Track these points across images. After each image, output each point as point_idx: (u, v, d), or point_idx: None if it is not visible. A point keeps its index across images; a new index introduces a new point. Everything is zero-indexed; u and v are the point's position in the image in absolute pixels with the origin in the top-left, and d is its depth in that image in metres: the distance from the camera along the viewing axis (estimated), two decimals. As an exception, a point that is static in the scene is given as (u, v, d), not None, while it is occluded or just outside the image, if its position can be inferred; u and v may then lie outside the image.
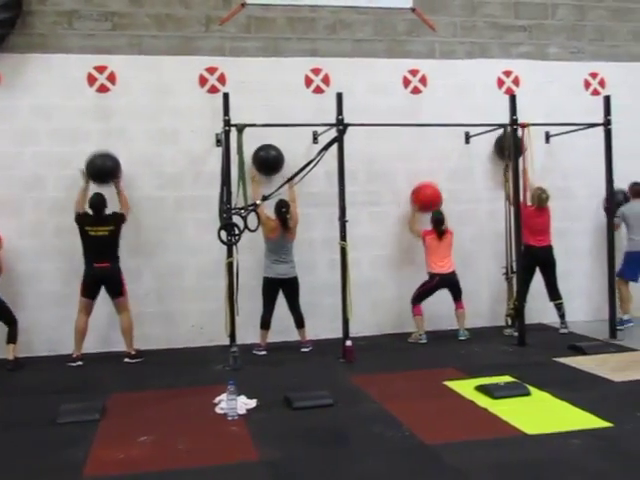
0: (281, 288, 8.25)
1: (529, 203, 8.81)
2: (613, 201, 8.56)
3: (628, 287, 9.10)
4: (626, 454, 4.59)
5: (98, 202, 7.88)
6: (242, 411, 5.68)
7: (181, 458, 4.78)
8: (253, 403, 5.90)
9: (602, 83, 9.81)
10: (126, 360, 7.82)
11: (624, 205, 9.12)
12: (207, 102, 8.57)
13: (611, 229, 8.50)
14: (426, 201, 8.94)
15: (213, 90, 8.65)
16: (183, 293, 8.63)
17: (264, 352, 8.08)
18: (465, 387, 6.25)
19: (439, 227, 8.66)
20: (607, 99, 8.48)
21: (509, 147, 8.46)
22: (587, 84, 9.81)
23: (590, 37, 9.90)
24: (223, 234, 7.32)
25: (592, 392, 6.06)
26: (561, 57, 9.77)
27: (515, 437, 4.97)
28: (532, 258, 8.74)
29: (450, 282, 8.64)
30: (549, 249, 8.87)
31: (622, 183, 8.99)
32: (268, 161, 8.58)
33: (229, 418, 5.54)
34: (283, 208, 8.10)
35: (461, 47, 9.47)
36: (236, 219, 7.40)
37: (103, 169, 8.11)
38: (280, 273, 8.16)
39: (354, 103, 8.33)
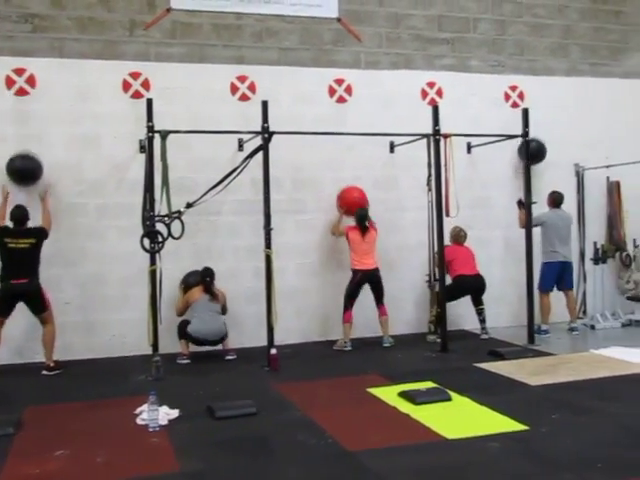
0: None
1: (448, 242, 8.96)
2: (530, 212, 8.77)
3: (549, 298, 9.34)
4: (542, 456, 4.70)
5: (20, 214, 7.65)
6: (164, 422, 5.58)
7: (99, 471, 4.67)
8: (175, 413, 5.80)
9: (521, 96, 10.09)
10: (44, 372, 7.59)
11: (542, 213, 9.35)
12: (131, 107, 8.45)
13: (529, 238, 8.71)
14: (352, 204, 8.96)
15: (137, 95, 8.53)
16: (104, 302, 8.45)
17: (187, 361, 8.00)
18: (388, 393, 6.30)
19: (363, 223, 8.71)
20: (525, 112, 8.72)
21: (431, 157, 8.62)
22: (507, 97, 10.08)
23: (510, 51, 10.18)
24: (146, 242, 7.22)
25: (510, 396, 6.20)
26: (482, 70, 10.02)
27: (436, 442, 5.04)
28: (463, 287, 9.03)
29: (372, 278, 8.67)
30: (479, 277, 9.11)
31: (537, 193, 9.16)
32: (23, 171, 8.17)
33: (150, 429, 5.44)
34: (207, 277, 8.16)
35: (386, 58, 9.60)
36: (159, 226, 7.31)
37: (24, 170, 7.90)
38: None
39: (280, 111, 8.36)
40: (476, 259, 9.16)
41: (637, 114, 10.66)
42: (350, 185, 9.09)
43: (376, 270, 8.69)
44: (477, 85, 9.91)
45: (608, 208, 10.22)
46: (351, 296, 8.66)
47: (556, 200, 9.45)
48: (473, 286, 9.08)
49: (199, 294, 8.10)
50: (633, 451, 4.74)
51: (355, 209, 8.83)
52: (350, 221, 8.89)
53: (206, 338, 8.05)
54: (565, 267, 9.38)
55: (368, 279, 8.67)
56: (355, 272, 8.66)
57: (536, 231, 9.08)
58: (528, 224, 8.73)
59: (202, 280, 8.15)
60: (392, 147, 9.41)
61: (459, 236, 9.17)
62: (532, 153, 9.11)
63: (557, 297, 9.43)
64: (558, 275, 9.34)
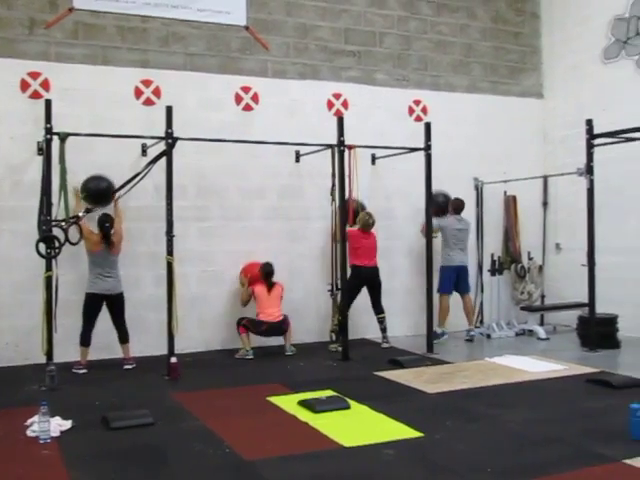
0: (106, 304, 8.00)
1: (356, 226, 9.09)
2: (430, 223, 8.97)
3: (448, 301, 9.61)
4: (434, 462, 4.81)
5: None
6: (56, 433, 5.40)
7: (-15, 485, 4.50)
8: (68, 424, 5.62)
9: (424, 110, 10.35)
10: None
11: (443, 218, 9.63)
12: (29, 108, 8.18)
13: (430, 249, 8.91)
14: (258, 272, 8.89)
15: (36, 96, 8.27)
16: (-3, 308, 8.16)
17: (84, 370, 7.79)
18: (288, 402, 6.31)
19: (269, 279, 8.75)
20: (428, 126, 8.94)
21: (335, 167, 8.71)
22: (411, 110, 10.32)
23: (414, 66, 10.43)
24: (42, 247, 7.01)
25: (407, 404, 6.31)
26: (387, 83, 10.23)
27: (333, 450, 5.08)
28: (359, 278, 9.08)
29: (279, 329, 8.74)
30: (375, 270, 9.22)
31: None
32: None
33: (41, 441, 5.24)
34: (106, 223, 7.88)
35: (293, 68, 9.66)
36: (56, 231, 7.11)
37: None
38: (105, 289, 7.91)
39: (185, 117, 8.30)
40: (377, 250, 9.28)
41: (533, 132, 11.13)
42: (252, 261, 9.03)
43: (281, 322, 8.71)
44: (382, 98, 10.10)
45: (505, 221, 10.57)
46: (249, 330, 8.65)
47: (457, 206, 9.75)
48: (369, 277, 9.17)
49: (99, 246, 7.93)
50: (520, 456, 4.91)
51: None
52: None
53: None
54: (460, 271, 9.70)
55: (272, 330, 8.72)
56: (260, 323, 8.65)
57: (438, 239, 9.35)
58: (428, 235, 8.93)
59: (100, 227, 7.92)
60: (298, 156, 9.47)
61: (367, 223, 9.19)
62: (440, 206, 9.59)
63: (455, 304, 9.71)
64: (455, 279, 9.64)
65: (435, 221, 9.28)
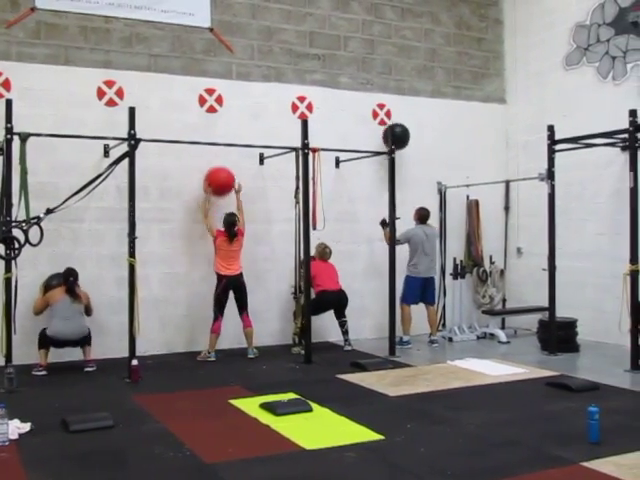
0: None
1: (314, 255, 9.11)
2: (394, 228, 9.00)
3: (409, 309, 9.64)
4: (395, 464, 4.84)
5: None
6: (14, 436, 5.34)
7: (-61, 489, 4.42)
8: (27, 427, 5.56)
9: (388, 114, 10.40)
10: None
11: (409, 229, 9.65)
12: (-12, 108, 8.07)
13: (393, 253, 8.95)
14: (220, 185, 8.86)
15: (-4, 95, 8.17)
16: (-46, 311, 8.00)
17: (44, 372, 7.70)
18: (250, 405, 6.30)
19: (231, 229, 8.66)
20: (391, 129, 8.98)
21: (299, 170, 8.72)
22: (375, 114, 10.36)
23: (378, 70, 10.49)
24: (1, 248, 6.90)
25: (369, 407, 6.34)
26: (352, 87, 10.27)
27: (294, 452, 5.08)
28: (324, 302, 9.17)
29: (237, 283, 8.67)
30: (341, 293, 9.29)
31: (401, 209, 9.34)
32: None
33: (-1, 444, 5.20)
34: (70, 277, 7.92)
35: (257, 70, 9.65)
36: (17, 232, 7.00)
37: None
38: (65, 334, 7.83)
39: (148, 118, 8.23)
40: (339, 275, 9.35)
41: (496, 137, 11.26)
42: (218, 166, 8.97)
43: (240, 276, 8.69)
44: (346, 101, 10.13)
45: (467, 225, 10.67)
46: (220, 303, 8.58)
47: (423, 216, 9.79)
48: (335, 301, 9.25)
49: (60, 295, 7.82)
50: (480, 458, 4.97)
51: (223, 191, 8.81)
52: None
53: (67, 338, 7.78)
54: (427, 283, 9.72)
55: (233, 284, 8.64)
56: (220, 277, 8.60)
57: (402, 246, 9.37)
58: (392, 240, 8.97)
59: (65, 280, 7.87)
60: (261, 159, 9.45)
61: (324, 252, 9.34)
62: (397, 137, 9.52)
63: (419, 310, 9.74)
64: (421, 290, 9.66)
65: (402, 232, 9.33)
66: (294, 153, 8.81)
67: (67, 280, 7.90)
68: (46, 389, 7.14)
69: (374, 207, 9.86)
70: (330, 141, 9.20)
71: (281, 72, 9.81)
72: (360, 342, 9.51)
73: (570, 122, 9.60)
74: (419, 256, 9.62)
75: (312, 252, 8.76)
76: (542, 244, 9.12)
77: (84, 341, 7.95)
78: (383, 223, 9.29)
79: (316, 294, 9.04)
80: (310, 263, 8.62)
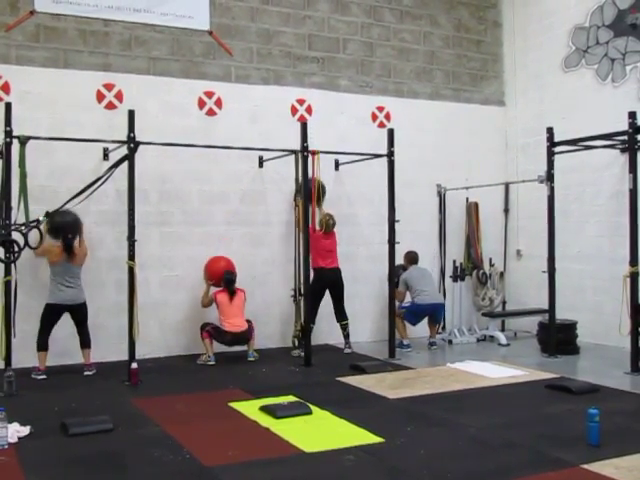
0: (69, 314, 7.90)
1: (317, 228, 9.10)
2: (393, 230, 8.95)
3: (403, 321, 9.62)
4: (395, 467, 4.83)
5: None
6: (13, 439, 5.33)
7: (-62, 493, 4.42)
8: (26, 430, 5.55)
9: (388, 117, 10.41)
10: None
11: (403, 273, 9.61)
12: (-12, 111, 8.07)
13: (392, 255, 8.92)
14: (220, 275, 8.78)
15: (-5, 99, 8.17)
16: (-46, 314, 8.00)
17: (43, 376, 7.68)
18: (249, 408, 6.29)
19: (230, 287, 8.67)
20: (391, 132, 8.99)
21: (299, 173, 8.72)
22: (374, 117, 10.37)
23: (378, 73, 10.49)
24: (1, 251, 6.90)
25: (369, 409, 6.34)
26: (351, 90, 10.27)
27: (294, 455, 5.07)
28: (322, 280, 9.06)
29: (243, 339, 8.70)
30: (337, 271, 9.23)
31: (401, 211, 9.28)
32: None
33: (-2, 447, 5.20)
34: (69, 234, 7.80)
35: (257, 73, 9.66)
36: (16, 235, 7.00)
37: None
38: (67, 299, 7.82)
39: (147, 121, 8.26)
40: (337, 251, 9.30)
41: (494, 139, 11.26)
42: (216, 256, 8.98)
43: (245, 332, 8.66)
44: (346, 104, 10.14)
45: (466, 227, 10.66)
46: (215, 338, 8.59)
47: (413, 258, 9.77)
48: (331, 278, 9.17)
49: (60, 257, 7.82)
50: (480, 461, 4.95)
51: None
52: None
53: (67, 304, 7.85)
54: (436, 307, 9.68)
55: (238, 341, 8.69)
56: (225, 332, 8.58)
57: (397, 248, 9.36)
58: (391, 241, 8.93)
59: (63, 238, 7.82)
60: (261, 162, 9.45)
61: (328, 224, 9.20)
62: None
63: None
64: (429, 314, 9.63)
65: (400, 280, 9.38)
66: (293, 156, 8.82)
67: (64, 238, 7.82)
68: (45, 392, 7.12)
69: (374, 209, 9.87)
70: (329, 144, 9.19)
71: (280, 75, 9.81)
72: (360, 345, 9.51)
73: (569, 124, 9.61)
74: (421, 287, 9.54)
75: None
76: (542, 246, 9.12)
77: (82, 310, 7.92)
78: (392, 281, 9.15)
79: (313, 270, 8.86)
80: (310, 234, 8.58)
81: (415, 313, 9.57)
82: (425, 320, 9.69)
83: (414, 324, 9.66)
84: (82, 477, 4.68)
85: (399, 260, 9.31)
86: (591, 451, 5.04)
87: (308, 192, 8.50)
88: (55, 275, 7.82)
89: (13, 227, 7.03)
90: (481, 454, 5.10)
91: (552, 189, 8.86)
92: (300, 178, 8.69)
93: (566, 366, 8.33)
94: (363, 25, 10.39)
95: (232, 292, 8.67)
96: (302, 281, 8.74)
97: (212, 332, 8.55)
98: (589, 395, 6.69)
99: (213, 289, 8.78)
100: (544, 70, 10.77)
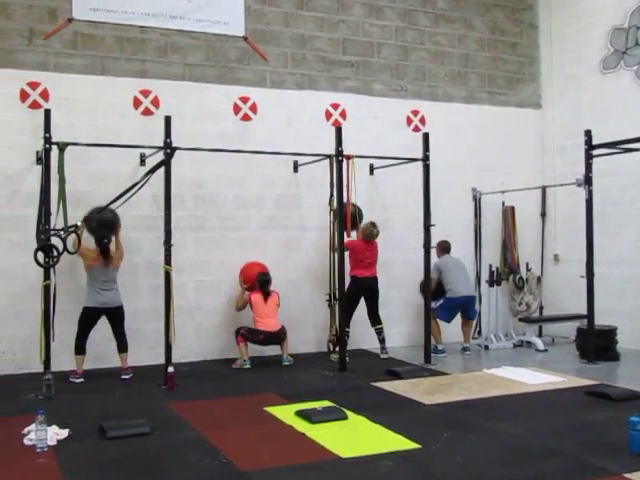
0: (106, 316, 7.99)
1: (354, 236, 9.04)
2: (429, 234, 8.90)
3: (437, 322, 9.52)
4: (431, 474, 4.78)
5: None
6: (52, 442, 5.38)
7: (-20, 494, 4.48)
8: (65, 433, 5.60)
9: (422, 121, 10.36)
10: None
11: (436, 260, 9.52)
12: (28, 118, 8.20)
13: (428, 260, 8.86)
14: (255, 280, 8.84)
15: (35, 106, 8.27)
16: (-6, 318, 8.13)
17: (81, 379, 7.76)
18: (285, 412, 6.28)
19: (265, 288, 8.72)
20: (426, 136, 8.95)
21: (333, 177, 8.71)
22: (409, 121, 10.33)
23: (412, 77, 10.45)
24: (40, 256, 6.99)
25: (404, 415, 6.29)
26: (385, 94, 10.24)
27: (330, 461, 5.05)
28: (358, 287, 9.07)
29: (277, 339, 8.74)
30: (374, 279, 9.20)
31: (436, 216, 9.15)
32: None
33: (38, 450, 5.22)
34: (104, 239, 7.89)
35: (291, 78, 9.68)
36: (55, 240, 7.10)
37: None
38: (104, 302, 7.90)
39: (183, 127, 8.32)
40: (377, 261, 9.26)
41: (530, 142, 11.15)
42: (251, 261, 9.04)
43: (279, 331, 8.70)
44: (380, 108, 10.11)
45: (503, 232, 10.56)
46: (249, 340, 8.63)
47: (445, 248, 9.71)
48: (368, 287, 9.13)
49: (97, 261, 7.94)
50: (518, 468, 4.88)
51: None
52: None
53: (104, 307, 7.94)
54: (467, 302, 9.60)
55: (272, 341, 8.74)
56: (258, 332, 8.61)
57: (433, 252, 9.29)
58: (427, 246, 8.87)
59: (98, 242, 7.93)
60: (296, 166, 9.47)
61: (371, 234, 9.15)
62: None
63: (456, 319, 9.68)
64: (461, 308, 9.57)
65: (432, 267, 9.18)
66: (328, 160, 8.81)
67: (100, 241, 7.91)
68: (83, 396, 7.18)
69: (408, 214, 9.82)
70: (364, 148, 9.18)
71: (314, 80, 9.82)
72: (395, 350, 9.45)
73: (607, 126, 9.48)
74: (453, 277, 9.52)
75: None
76: (580, 250, 9.00)
77: (119, 313, 8.00)
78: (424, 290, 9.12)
79: (350, 278, 8.94)
80: (350, 242, 8.69)
81: (448, 308, 9.50)
82: (459, 324, 9.61)
83: (448, 321, 9.57)
84: (120, 480, 4.72)
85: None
86: (634, 460, 4.93)
87: (343, 217, 8.49)
88: (92, 279, 7.91)
89: (52, 232, 7.13)
90: (519, 461, 5.02)
91: (590, 192, 8.73)
92: (335, 183, 8.66)
93: (606, 373, 8.19)
94: (397, 29, 10.36)
95: (267, 293, 8.70)
96: (337, 286, 8.72)
97: (246, 334, 8.58)
98: (631, 402, 6.54)
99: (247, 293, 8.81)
100: (582, 72, 10.64)
